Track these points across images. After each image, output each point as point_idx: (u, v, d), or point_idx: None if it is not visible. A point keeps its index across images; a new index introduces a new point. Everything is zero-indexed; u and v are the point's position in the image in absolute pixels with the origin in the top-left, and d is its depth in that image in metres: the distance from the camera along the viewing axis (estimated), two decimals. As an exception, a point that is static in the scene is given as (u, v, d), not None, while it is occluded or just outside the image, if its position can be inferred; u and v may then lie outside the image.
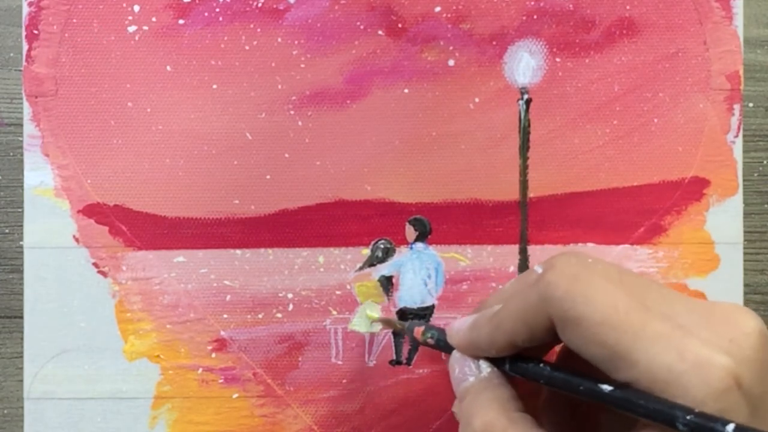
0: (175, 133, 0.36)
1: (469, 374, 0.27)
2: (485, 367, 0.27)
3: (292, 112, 0.36)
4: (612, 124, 0.36)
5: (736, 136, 0.36)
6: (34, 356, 0.35)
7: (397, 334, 0.36)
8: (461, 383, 0.27)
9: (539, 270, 0.26)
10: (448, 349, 0.29)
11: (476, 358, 0.27)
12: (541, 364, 0.26)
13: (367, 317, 0.36)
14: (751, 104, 0.37)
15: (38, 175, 0.35)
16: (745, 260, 0.36)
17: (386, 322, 0.35)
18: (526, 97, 0.36)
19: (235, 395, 0.36)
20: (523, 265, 0.36)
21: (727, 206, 0.36)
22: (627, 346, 0.22)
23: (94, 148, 0.36)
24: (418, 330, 0.31)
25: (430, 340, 0.30)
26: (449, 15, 0.36)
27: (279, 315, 0.36)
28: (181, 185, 0.36)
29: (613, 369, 0.23)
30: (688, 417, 0.21)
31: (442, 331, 0.30)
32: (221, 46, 0.36)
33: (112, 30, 0.35)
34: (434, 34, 0.36)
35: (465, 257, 0.36)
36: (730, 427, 0.20)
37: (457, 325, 0.28)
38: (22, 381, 0.35)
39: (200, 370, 0.35)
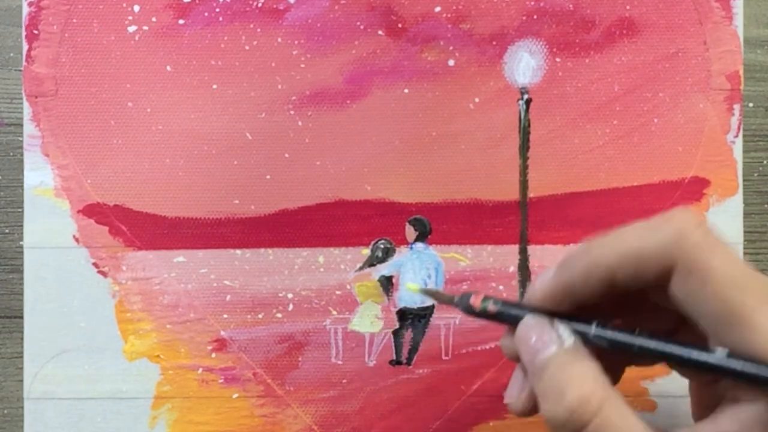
0: (175, 133, 0.36)
1: (550, 343, 0.25)
2: (566, 336, 0.25)
3: (292, 112, 0.36)
4: (612, 124, 0.36)
5: (736, 136, 0.36)
6: (34, 356, 0.35)
7: (397, 334, 0.36)
8: (540, 353, 0.25)
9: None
10: (512, 318, 0.26)
11: (554, 314, 0.25)
12: (632, 332, 0.24)
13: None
14: (751, 104, 0.37)
15: (38, 175, 0.35)
16: (745, 260, 0.36)
17: (432, 294, 0.32)
18: (526, 97, 0.36)
19: (235, 395, 0.36)
20: (523, 265, 0.36)
21: (727, 206, 0.36)
22: (751, 308, 0.21)
23: (94, 148, 0.36)
24: (476, 298, 0.26)
25: (492, 308, 0.26)
26: (449, 15, 0.36)
27: (279, 315, 0.36)
28: (181, 185, 0.36)
29: (725, 328, 0.22)
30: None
31: (502, 300, 0.27)
32: (221, 46, 0.36)
33: (112, 30, 0.35)
34: (434, 34, 0.36)
35: (465, 257, 0.36)
36: None
37: (540, 278, 0.26)
38: (22, 381, 0.35)
39: (200, 370, 0.35)
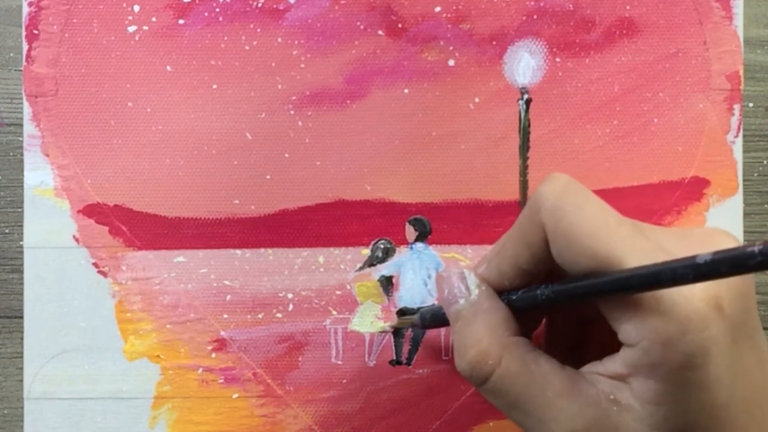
0: (175, 133, 0.36)
1: (459, 296, 0.26)
2: (474, 288, 0.26)
3: (292, 112, 0.36)
4: (612, 124, 0.36)
5: (736, 136, 0.36)
6: (34, 356, 0.35)
7: (397, 334, 0.36)
8: (451, 305, 0.26)
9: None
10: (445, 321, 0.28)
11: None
12: (538, 289, 0.25)
13: (377, 326, 0.35)
14: (751, 104, 0.37)
15: (38, 175, 0.35)
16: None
17: (401, 322, 0.35)
18: (526, 97, 0.36)
19: (235, 395, 0.36)
20: (523, 265, 0.36)
21: (727, 206, 0.36)
22: (618, 258, 0.22)
23: (94, 148, 0.36)
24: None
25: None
26: (449, 15, 0.36)
27: (279, 315, 0.36)
28: (181, 185, 0.36)
29: None
30: (706, 259, 0.19)
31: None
32: (221, 46, 0.36)
33: (112, 30, 0.35)
34: (434, 34, 0.36)
35: (465, 257, 0.36)
36: (757, 247, 0.18)
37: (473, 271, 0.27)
38: (22, 381, 0.35)
39: (200, 370, 0.35)
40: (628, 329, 0.22)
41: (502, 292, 0.26)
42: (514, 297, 0.26)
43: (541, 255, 0.24)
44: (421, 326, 0.32)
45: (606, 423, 0.23)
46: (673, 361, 0.21)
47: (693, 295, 0.21)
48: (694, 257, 0.20)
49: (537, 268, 0.25)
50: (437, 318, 0.30)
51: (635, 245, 0.22)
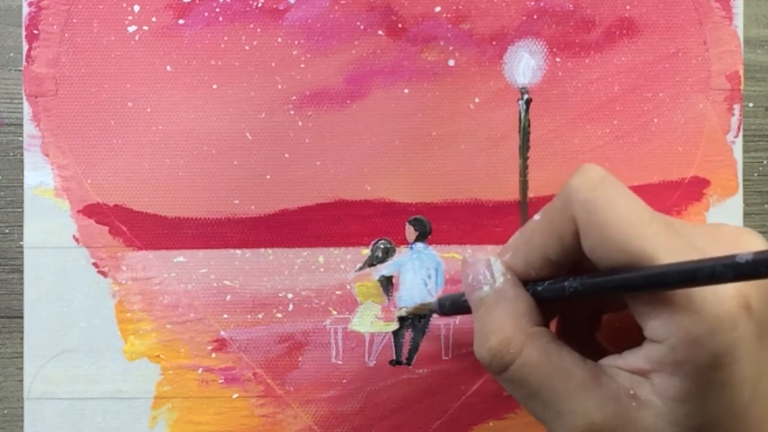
0: (175, 133, 0.36)
1: (484, 282, 0.26)
2: (499, 276, 0.26)
3: (292, 112, 0.36)
4: (612, 124, 0.36)
5: (736, 136, 0.36)
6: (34, 356, 0.35)
7: (397, 334, 0.36)
8: (474, 292, 0.26)
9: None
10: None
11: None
12: (566, 281, 0.24)
13: (380, 311, 0.35)
14: (751, 104, 0.37)
15: (38, 175, 0.35)
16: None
17: (416, 309, 0.35)
18: (526, 97, 0.36)
19: (235, 395, 0.36)
20: (523, 265, 0.36)
21: (727, 206, 0.36)
22: (650, 253, 0.22)
23: (94, 148, 0.36)
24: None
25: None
26: (449, 15, 0.36)
27: (279, 315, 0.36)
28: (181, 185, 0.36)
29: None
30: (747, 258, 0.19)
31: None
32: (221, 46, 0.36)
33: (112, 30, 0.35)
34: (434, 34, 0.36)
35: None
36: None
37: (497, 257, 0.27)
38: (22, 381, 0.35)
39: (200, 370, 0.35)
40: (655, 325, 0.22)
41: (527, 282, 0.26)
42: (540, 288, 0.25)
43: (570, 247, 0.24)
44: (440, 313, 0.32)
45: (625, 417, 0.23)
46: (700, 359, 0.21)
47: (725, 295, 0.21)
48: (733, 256, 0.19)
49: (566, 260, 0.25)
50: (456, 305, 0.29)
51: (668, 242, 0.22)
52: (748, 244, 0.23)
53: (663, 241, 0.22)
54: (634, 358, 0.23)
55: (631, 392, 0.23)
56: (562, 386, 0.23)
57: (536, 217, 0.26)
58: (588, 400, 0.23)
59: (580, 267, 0.25)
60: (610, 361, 0.24)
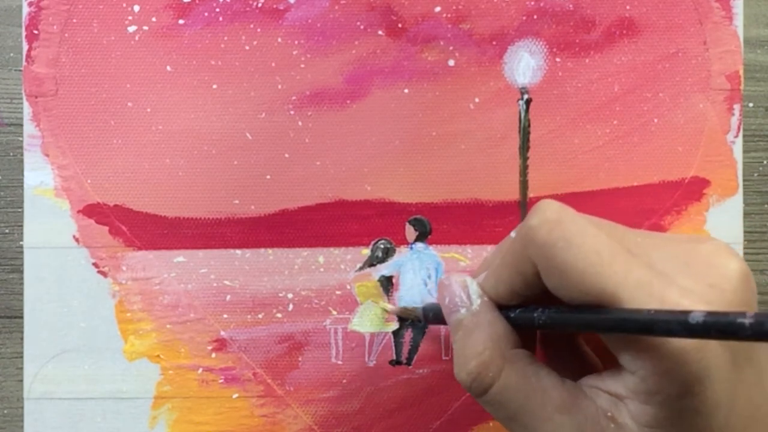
0: (175, 133, 0.36)
1: (461, 305, 0.26)
2: (476, 298, 0.26)
3: (292, 112, 0.36)
4: (612, 124, 0.36)
5: (736, 136, 0.36)
6: (34, 356, 0.35)
7: (397, 334, 0.36)
8: (452, 314, 0.26)
9: (512, 233, 0.25)
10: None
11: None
12: (535, 311, 0.25)
13: (381, 311, 0.35)
14: (751, 104, 0.37)
15: (38, 175, 0.35)
16: (745, 260, 0.36)
17: (404, 312, 0.35)
18: (526, 97, 0.36)
19: (235, 395, 0.36)
20: (523, 265, 0.36)
21: (727, 206, 0.36)
22: (610, 293, 0.22)
23: (94, 148, 0.36)
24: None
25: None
26: (449, 15, 0.36)
27: (279, 315, 0.36)
28: (181, 185, 0.36)
29: None
30: (698, 320, 0.19)
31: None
32: (221, 46, 0.36)
33: (112, 30, 0.35)
34: (434, 34, 0.36)
35: (465, 257, 0.36)
36: (747, 320, 0.18)
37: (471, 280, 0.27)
38: (22, 381, 0.35)
39: (200, 370, 0.35)
40: (626, 358, 0.22)
41: (500, 306, 0.26)
42: (512, 315, 0.26)
43: (534, 283, 0.24)
44: (423, 321, 0.32)
45: None
46: (671, 389, 0.21)
47: None
48: (687, 314, 0.19)
49: (533, 292, 0.25)
50: (439, 317, 0.30)
51: (629, 279, 0.22)
52: (723, 265, 0.22)
53: (623, 279, 0.22)
54: (612, 382, 0.23)
55: (609, 414, 0.23)
56: (540, 409, 0.24)
57: (501, 247, 0.26)
58: (567, 422, 0.23)
59: (551, 295, 0.25)
60: (590, 381, 0.24)
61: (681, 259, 0.23)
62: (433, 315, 0.30)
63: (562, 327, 0.24)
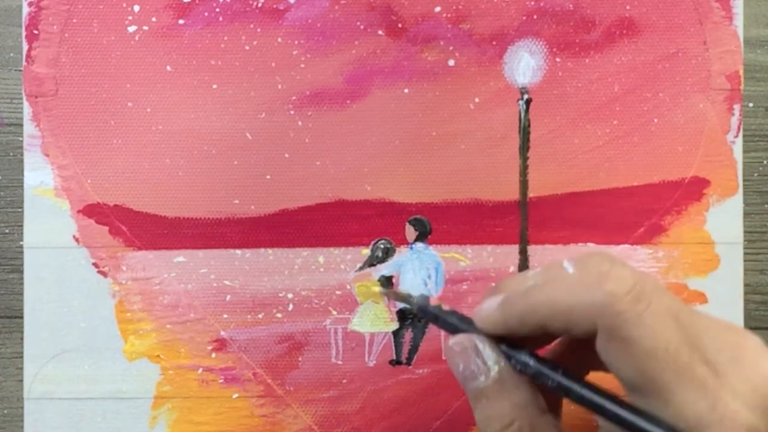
0: (175, 133, 0.36)
1: (478, 372, 0.25)
2: (492, 364, 0.25)
3: (292, 112, 0.36)
4: (612, 124, 0.36)
5: (736, 136, 0.36)
6: (34, 356, 0.35)
7: (397, 334, 0.36)
8: (471, 382, 0.25)
9: (569, 268, 0.24)
10: (452, 327, 0.27)
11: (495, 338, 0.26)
12: (557, 371, 0.24)
13: (381, 311, 0.35)
14: (751, 104, 0.37)
15: (38, 175, 0.35)
16: (745, 260, 0.36)
17: (397, 296, 0.34)
18: (526, 97, 0.36)
19: (235, 395, 0.36)
20: (524, 265, 0.36)
21: (727, 206, 0.36)
22: (667, 382, 0.22)
23: (94, 148, 0.36)
24: (434, 300, 0.28)
25: (445, 307, 0.27)
26: (449, 15, 0.36)
27: (279, 315, 0.36)
28: (181, 185, 0.36)
29: (641, 396, 0.22)
30: None
31: (452, 310, 0.28)
32: (221, 46, 0.36)
33: (112, 30, 0.35)
34: (434, 34, 0.36)
35: (465, 257, 0.36)
36: None
37: (486, 304, 0.26)
38: (22, 381, 0.35)
39: (200, 370, 0.35)
40: None
41: (500, 338, 0.25)
42: (531, 373, 0.25)
43: (575, 334, 0.24)
44: (416, 312, 0.31)
45: None
46: None
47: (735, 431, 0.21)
48: None
49: (558, 334, 0.25)
50: (443, 325, 0.28)
51: (687, 377, 0.22)
52: (765, 368, 0.23)
53: (684, 371, 0.22)
54: None
55: None
56: None
57: (533, 282, 0.25)
58: None
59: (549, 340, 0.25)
60: None
61: (730, 352, 0.23)
62: (435, 320, 0.29)
63: (577, 401, 0.24)
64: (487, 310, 0.26)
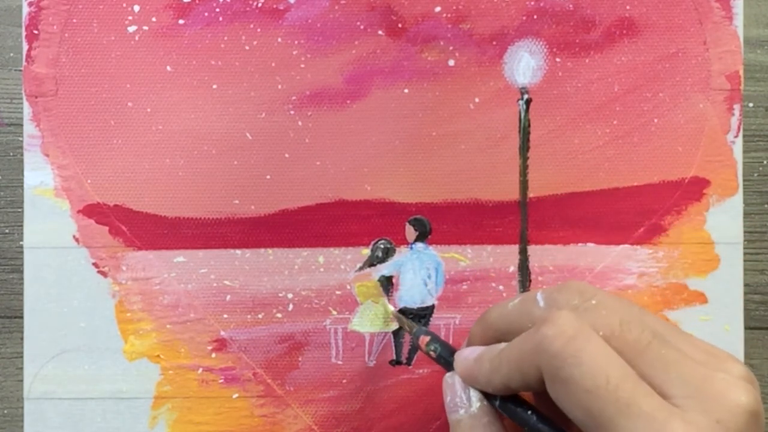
0: (175, 133, 0.36)
1: (460, 406, 0.27)
2: (475, 401, 0.27)
3: (292, 112, 0.36)
4: (612, 124, 0.36)
5: (736, 136, 0.36)
6: (34, 356, 0.35)
7: (397, 334, 0.36)
8: (452, 413, 0.28)
9: (540, 301, 0.26)
10: (448, 365, 0.29)
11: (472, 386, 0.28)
12: (529, 411, 0.26)
13: (384, 312, 0.35)
14: (751, 104, 0.37)
15: (38, 175, 0.35)
16: (745, 260, 0.36)
17: (399, 320, 0.35)
18: (526, 97, 0.36)
19: (235, 395, 0.36)
20: (523, 265, 0.36)
21: (727, 206, 0.36)
22: (610, 418, 0.22)
23: (94, 148, 0.36)
24: (424, 339, 0.30)
25: (432, 353, 0.30)
26: (449, 15, 0.36)
27: (279, 315, 0.36)
28: (181, 185, 0.36)
29: None
30: None
31: (445, 346, 0.30)
32: (221, 46, 0.36)
33: (112, 30, 0.35)
34: (434, 34, 0.36)
35: (465, 257, 0.36)
36: None
37: (465, 353, 0.28)
38: (22, 381, 0.35)
39: (200, 370, 0.35)
40: None
41: (489, 396, 0.27)
42: (502, 410, 0.27)
43: (533, 386, 0.25)
44: (413, 340, 0.33)
45: None
46: None
47: None
48: None
49: (527, 390, 0.26)
50: (439, 360, 0.30)
51: (630, 411, 0.22)
52: (734, 401, 0.22)
53: (625, 406, 0.22)
54: None
55: None
56: None
57: (507, 312, 0.27)
58: None
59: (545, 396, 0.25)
60: None
61: (694, 385, 0.23)
62: (432, 357, 0.31)
63: None
64: (465, 359, 0.28)
